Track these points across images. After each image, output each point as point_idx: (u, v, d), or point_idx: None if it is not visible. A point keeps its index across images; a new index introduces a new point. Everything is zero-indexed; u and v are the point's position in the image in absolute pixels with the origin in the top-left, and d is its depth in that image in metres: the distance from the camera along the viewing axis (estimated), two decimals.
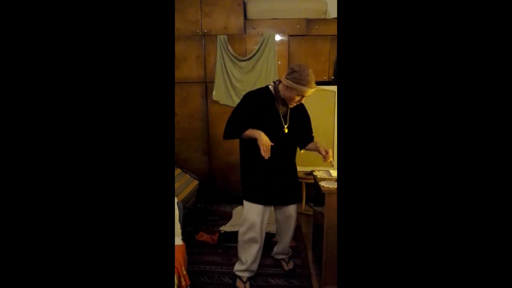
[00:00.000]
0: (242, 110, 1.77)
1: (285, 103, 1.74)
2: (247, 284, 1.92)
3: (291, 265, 2.12)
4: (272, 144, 1.66)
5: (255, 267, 1.93)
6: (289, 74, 1.65)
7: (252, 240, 1.86)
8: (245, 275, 1.93)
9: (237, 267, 1.95)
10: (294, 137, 1.82)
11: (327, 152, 1.75)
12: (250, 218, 1.83)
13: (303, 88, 1.62)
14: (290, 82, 1.62)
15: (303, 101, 1.74)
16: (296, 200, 1.95)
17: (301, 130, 1.85)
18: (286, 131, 1.77)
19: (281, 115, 1.77)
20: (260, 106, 1.75)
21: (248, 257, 1.89)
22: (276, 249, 2.15)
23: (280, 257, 2.14)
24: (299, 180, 2.90)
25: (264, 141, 1.65)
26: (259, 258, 1.93)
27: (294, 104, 1.73)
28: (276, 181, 1.81)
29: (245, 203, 1.85)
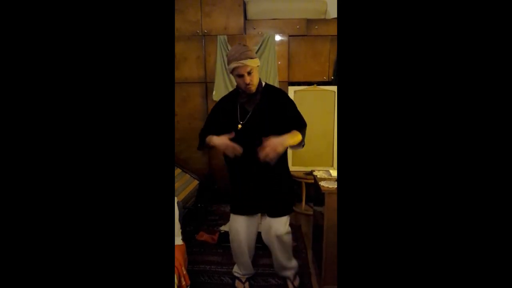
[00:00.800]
0: (208, 117, 1.70)
1: (250, 99, 1.57)
2: (246, 284, 1.91)
3: (296, 282, 1.89)
4: (232, 141, 1.47)
5: (249, 270, 1.92)
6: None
7: (239, 250, 1.80)
8: (244, 276, 1.93)
9: (235, 268, 1.96)
10: (257, 131, 1.51)
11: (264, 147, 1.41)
12: (232, 225, 1.75)
13: (232, 65, 1.47)
14: (228, 66, 1.50)
15: (254, 81, 1.51)
16: (282, 212, 1.64)
17: (271, 125, 1.55)
18: (239, 126, 1.56)
19: (240, 113, 1.59)
20: (224, 108, 1.65)
21: (239, 264, 1.90)
22: (274, 266, 1.88)
23: (284, 273, 1.87)
24: (299, 179, 2.92)
25: (219, 143, 1.49)
26: (250, 262, 1.89)
27: (250, 88, 1.51)
28: (251, 187, 1.61)
29: (231, 216, 1.77)
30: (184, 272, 1.61)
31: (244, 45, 1.51)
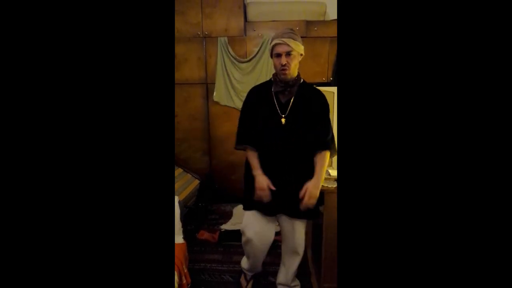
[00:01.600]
0: (243, 109, 1.57)
1: (285, 90, 1.46)
2: (250, 283, 1.85)
3: None
4: (273, 188, 1.41)
5: (258, 269, 1.83)
6: None
7: (251, 252, 1.65)
8: (249, 273, 1.87)
9: (243, 263, 1.85)
10: (298, 129, 1.45)
11: (305, 192, 1.41)
12: (246, 229, 1.58)
13: (273, 42, 1.39)
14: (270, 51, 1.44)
15: (292, 65, 1.41)
16: (304, 215, 1.51)
17: (309, 125, 1.46)
18: (283, 121, 1.44)
19: (278, 105, 1.47)
20: (258, 99, 1.53)
21: (250, 262, 1.78)
22: (278, 275, 1.75)
23: None
24: None
25: (259, 184, 1.41)
26: (261, 263, 1.75)
27: (285, 72, 1.40)
28: (276, 185, 1.46)
29: (244, 213, 1.60)
30: (185, 271, 1.63)
31: (291, 29, 1.41)
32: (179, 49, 2.99)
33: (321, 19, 3.08)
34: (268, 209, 1.52)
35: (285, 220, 1.56)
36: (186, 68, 3.05)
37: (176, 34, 2.97)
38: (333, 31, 2.95)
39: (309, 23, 2.98)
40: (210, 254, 2.30)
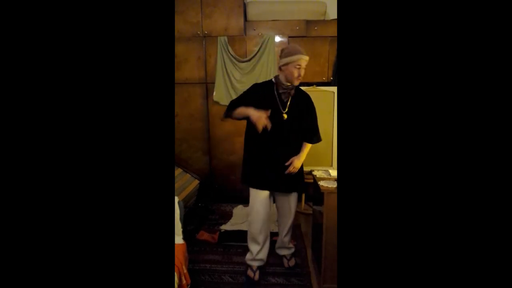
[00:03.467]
0: (245, 94, 1.87)
1: (286, 92, 1.80)
2: (257, 273, 1.97)
3: (292, 263, 2.13)
4: (268, 120, 1.71)
5: (263, 256, 1.98)
6: (282, 55, 1.76)
7: (261, 229, 1.91)
8: (255, 264, 1.98)
9: (248, 257, 2.01)
10: (295, 124, 1.83)
11: (290, 162, 1.83)
12: (255, 205, 1.90)
13: (296, 56, 1.70)
14: (286, 58, 1.72)
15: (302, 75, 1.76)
16: (296, 189, 1.95)
17: (303, 120, 1.86)
18: (285, 117, 1.81)
19: (281, 103, 1.82)
20: (262, 93, 1.83)
21: (255, 248, 1.95)
22: (277, 243, 2.17)
23: (281, 252, 2.15)
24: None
25: (255, 115, 1.70)
26: (267, 247, 1.98)
27: (297, 80, 1.76)
28: (275, 168, 1.83)
29: (251, 190, 1.92)
30: (185, 271, 1.62)
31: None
32: (179, 49, 2.99)
33: (321, 18, 3.08)
34: (268, 187, 1.89)
35: (280, 195, 1.97)
36: (186, 68, 3.05)
37: (176, 34, 2.97)
38: (333, 30, 2.95)
39: (309, 23, 2.98)
40: (210, 254, 2.30)
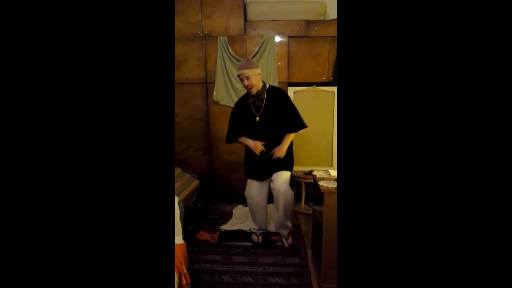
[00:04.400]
0: (231, 117, 2.34)
1: (257, 97, 2.20)
2: (260, 237, 2.40)
3: (290, 241, 2.38)
4: (263, 143, 2.18)
5: (263, 226, 2.46)
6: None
7: (256, 210, 2.39)
8: (259, 231, 2.41)
9: (251, 225, 2.51)
10: (269, 122, 2.20)
11: (273, 152, 2.20)
12: (249, 192, 2.37)
13: (240, 71, 2.13)
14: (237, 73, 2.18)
15: (253, 84, 2.13)
16: (281, 168, 2.25)
17: (279, 116, 2.20)
18: (258, 119, 2.22)
19: (254, 109, 2.23)
20: (241, 106, 2.30)
21: (257, 221, 2.43)
22: (275, 223, 2.41)
23: (280, 231, 2.40)
24: (298, 179, 2.95)
25: (251, 145, 2.20)
26: (265, 219, 2.43)
27: (251, 89, 2.15)
28: (261, 160, 2.22)
29: (247, 181, 2.38)
30: (185, 271, 1.62)
31: (247, 59, 2.28)
32: (179, 49, 2.99)
33: (321, 18, 3.08)
34: (257, 177, 2.34)
35: (271, 180, 2.29)
36: (186, 67, 3.05)
37: (176, 34, 2.97)
38: (333, 30, 2.94)
39: (309, 23, 2.98)
40: (210, 254, 2.30)
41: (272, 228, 2.62)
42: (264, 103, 2.20)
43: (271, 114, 2.19)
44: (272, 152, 2.18)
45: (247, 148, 2.28)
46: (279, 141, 2.20)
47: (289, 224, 2.37)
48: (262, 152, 2.19)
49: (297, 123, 2.22)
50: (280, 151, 2.18)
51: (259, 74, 2.17)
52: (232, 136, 2.31)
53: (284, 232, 2.39)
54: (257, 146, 2.17)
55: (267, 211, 2.48)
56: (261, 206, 2.38)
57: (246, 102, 2.26)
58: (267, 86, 2.27)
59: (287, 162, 2.28)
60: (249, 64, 2.13)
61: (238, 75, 2.15)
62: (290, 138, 2.22)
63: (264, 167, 2.26)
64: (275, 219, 2.40)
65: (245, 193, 2.39)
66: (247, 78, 2.12)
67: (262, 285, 1.95)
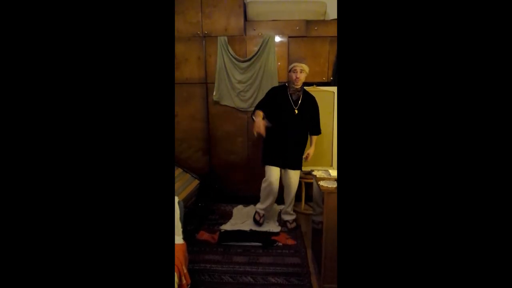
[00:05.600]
0: (267, 95, 2.56)
1: (295, 92, 2.45)
2: (263, 218, 2.69)
3: (293, 225, 2.68)
4: (267, 125, 2.40)
5: (269, 208, 2.70)
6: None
7: (270, 193, 2.58)
8: (261, 212, 2.67)
9: (258, 206, 2.70)
10: (304, 118, 2.46)
11: (307, 157, 2.54)
12: (269, 178, 2.55)
13: (292, 64, 2.40)
14: (289, 67, 2.48)
15: (301, 78, 2.40)
16: (298, 167, 2.57)
17: (310, 116, 2.50)
18: (296, 112, 2.45)
19: (292, 101, 2.46)
20: (279, 94, 2.50)
21: (265, 204, 2.64)
22: (281, 211, 2.76)
23: (285, 218, 2.69)
24: (298, 179, 2.95)
25: (257, 122, 2.38)
26: (271, 204, 2.68)
27: (297, 81, 2.38)
28: (287, 150, 2.48)
29: (266, 167, 2.57)
30: (185, 271, 1.62)
31: (302, 58, 2.61)
32: (179, 49, 2.99)
33: (321, 18, 3.08)
34: (279, 164, 2.55)
35: (287, 171, 2.56)
36: (186, 67, 3.05)
37: (176, 34, 2.97)
38: (333, 30, 2.94)
39: (309, 23, 2.98)
40: (210, 254, 2.30)
41: (271, 228, 2.62)
42: (300, 100, 2.46)
43: (306, 111, 2.47)
44: (306, 155, 2.53)
45: (269, 136, 2.46)
46: (302, 137, 2.52)
47: (293, 212, 2.72)
48: (291, 141, 2.47)
49: (319, 129, 2.59)
50: (312, 152, 2.57)
51: (307, 73, 2.44)
52: (258, 107, 2.50)
53: (289, 218, 2.69)
54: (260, 126, 2.34)
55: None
56: (275, 190, 2.60)
57: (284, 93, 2.49)
58: (303, 88, 2.56)
59: (300, 162, 2.58)
60: (304, 61, 2.44)
61: (293, 67, 2.37)
62: (315, 140, 2.59)
63: (287, 156, 2.50)
64: (284, 207, 2.72)
65: (265, 178, 2.59)
66: (301, 71, 2.37)
67: (262, 285, 1.95)
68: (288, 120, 2.43)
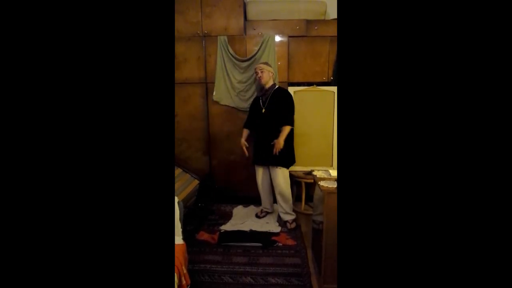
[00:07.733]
0: (249, 108, 2.85)
1: (265, 93, 2.66)
2: (263, 214, 2.88)
3: (293, 225, 2.69)
4: (246, 145, 2.71)
5: (268, 206, 2.89)
6: None
7: (260, 191, 2.83)
8: (264, 209, 2.88)
9: (262, 202, 2.91)
10: (271, 114, 2.60)
11: (274, 143, 2.53)
12: (257, 178, 2.80)
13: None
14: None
15: (264, 77, 2.61)
16: (281, 164, 2.62)
17: (277, 111, 2.59)
18: (264, 111, 2.64)
19: (262, 102, 2.67)
20: (252, 103, 2.80)
21: (263, 202, 2.87)
22: (279, 210, 2.79)
23: (284, 218, 2.72)
24: (298, 179, 2.95)
25: (242, 140, 2.73)
26: (270, 202, 2.87)
27: (261, 81, 2.62)
28: (260, 148, 2.65)
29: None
30: (185, 272, 1.62)
31: (267, 62, 2.73)
32: (178, 49, 2.98)
33: (322, 18, 3.07)
34: (259, 163, 2.74)
35: (271, 168, 2.68)
36: (186, 67, 3.05)
37: (176, 34, 2.96)
38: (333, 30, 2.94)
39: (309, 22, 2.97)
40: (210, 255, 2.29)
41: (271, 228, 2.62)
42: (268, 98, 2.62)
43: (274, 108, 2.59)
44: (272, 143, 2.52)
45: (254, 136, 2.72)
46: (275, 132, 2.55)
47: (292, 212, 2.73)
48: (262, 139, 2.63)
49: (287, 119, 2.57)
50: (278, 142, 2.51)
51: (270, 72, 2.62)
52: (244, 124, 2.80)
53: (288, 218, 2.70)
54: (241, 146, 2.72)
55: (272, 194, 2.85)
56: (265, 190, 2.81)
57: (257, 98, 2.77)
58: (276, 86, 2.68)
59: (284, 159, 2.60)
60: (266, 63, 2.68)
61: (254, 70, 2.66)
62: (285, 130, 2.54)
63: (263, 154, 2.63)
64: (278, 207, 2.79)
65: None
66: (261, 71, 2.59)
67: (262, 286, 1.95)
68: (257, 120, 2.67)
